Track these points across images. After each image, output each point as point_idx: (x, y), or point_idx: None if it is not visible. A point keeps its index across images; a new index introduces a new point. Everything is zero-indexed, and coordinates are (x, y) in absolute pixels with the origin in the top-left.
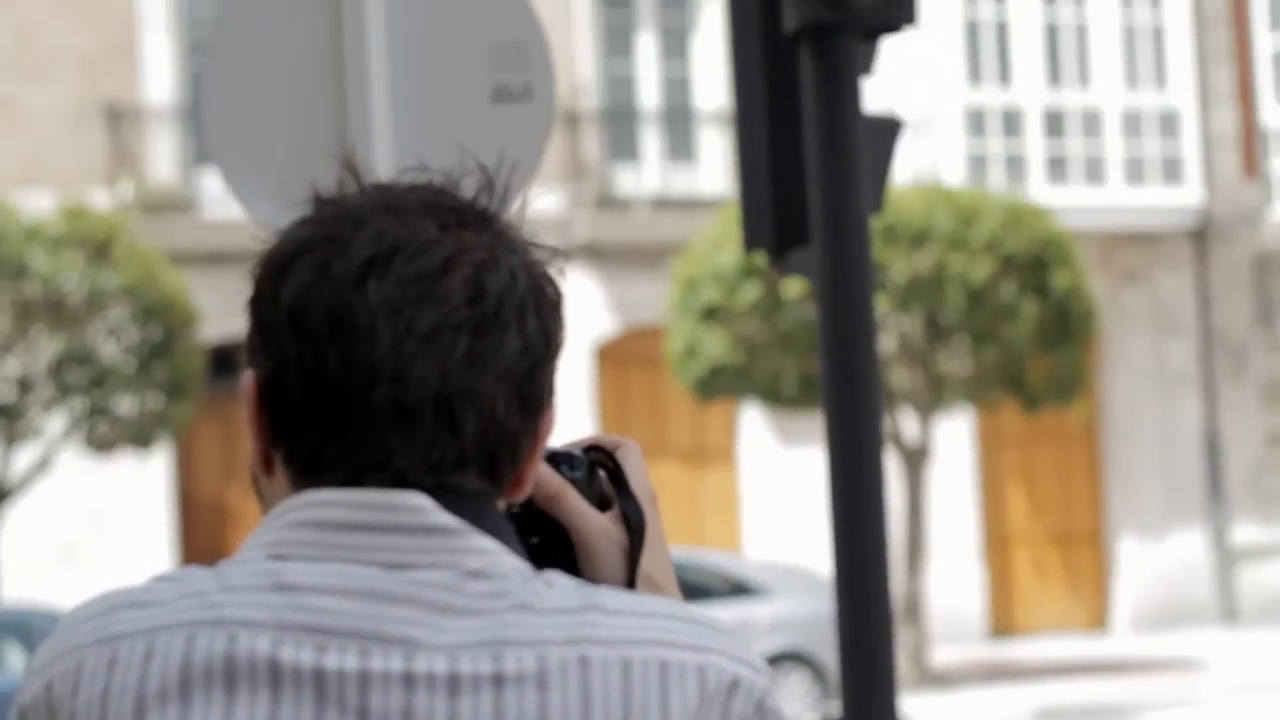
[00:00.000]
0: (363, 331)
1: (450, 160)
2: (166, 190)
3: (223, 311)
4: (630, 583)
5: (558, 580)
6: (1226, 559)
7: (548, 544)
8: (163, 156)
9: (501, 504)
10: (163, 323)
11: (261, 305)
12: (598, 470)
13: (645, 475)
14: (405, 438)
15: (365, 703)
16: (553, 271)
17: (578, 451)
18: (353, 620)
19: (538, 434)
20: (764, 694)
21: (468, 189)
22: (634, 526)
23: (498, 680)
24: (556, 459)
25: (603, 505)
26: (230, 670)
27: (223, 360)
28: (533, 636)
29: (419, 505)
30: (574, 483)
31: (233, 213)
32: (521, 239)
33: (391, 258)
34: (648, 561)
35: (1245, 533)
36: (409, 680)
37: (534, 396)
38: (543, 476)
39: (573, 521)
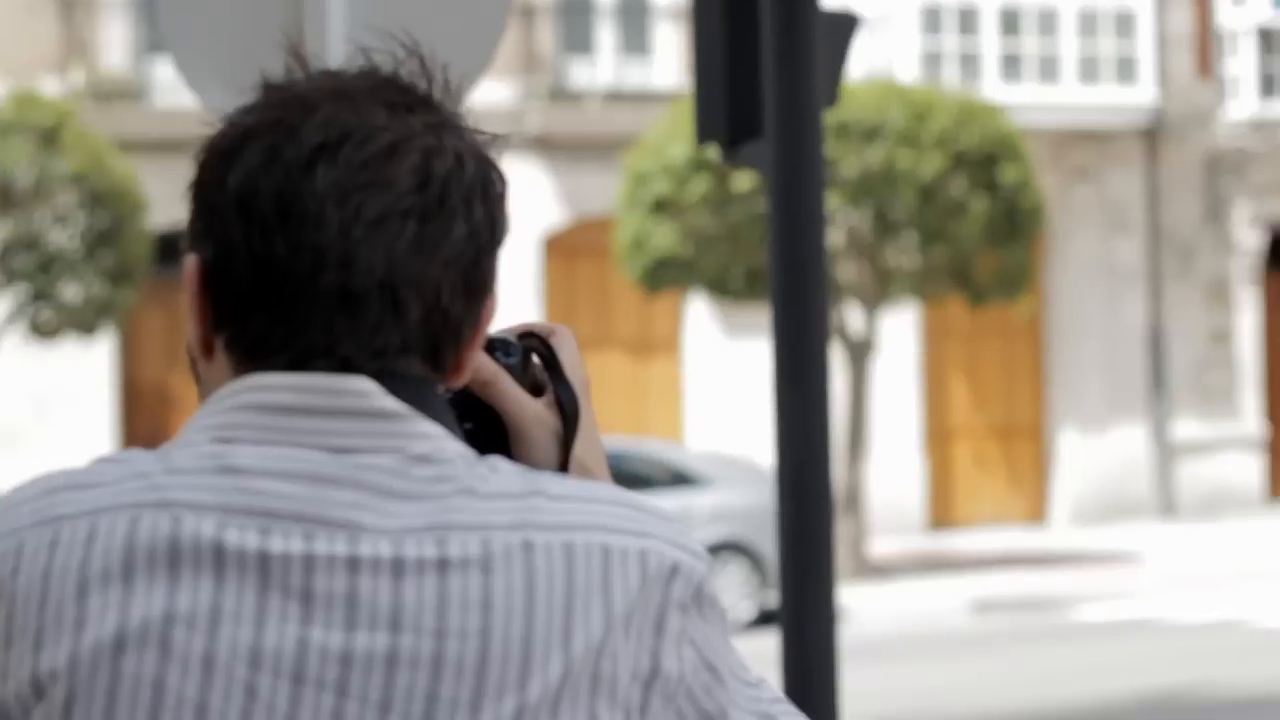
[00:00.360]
0: (311, 217)
1: (400, 49)
2: (118, 78)
3: (171, 199)
4: (563, 468)
5: (502, 466)
6: (1166, 454)
7: (482, 430)
8: (114, 44)
9: (440, 390)
10: (111, 210)
11: (207, 190)
12: (532, 356)
13: (579, 362)
14: (351, 323)
15: (309, 586)
16: (498, 160)
17: (512, 338)
18: (298, 504)
19: (480, 321)
20: (703, 580)
21: (416, 77)
22: (568, 412)
23: (442, 564)
24: (491, 345)
25: (536, 391)
26: (174, 553)
27: (169, 247)
28: (477, 521)
29: (364, 389)
30: (508, 369)
31: (183, 100)
32: (468, 126)
33: (341, 144)
34: (580, 447)
35: (1185, 429)
36: (353, 564)
37: (478, 283)
38: (478, 362)
39: (507, 407)
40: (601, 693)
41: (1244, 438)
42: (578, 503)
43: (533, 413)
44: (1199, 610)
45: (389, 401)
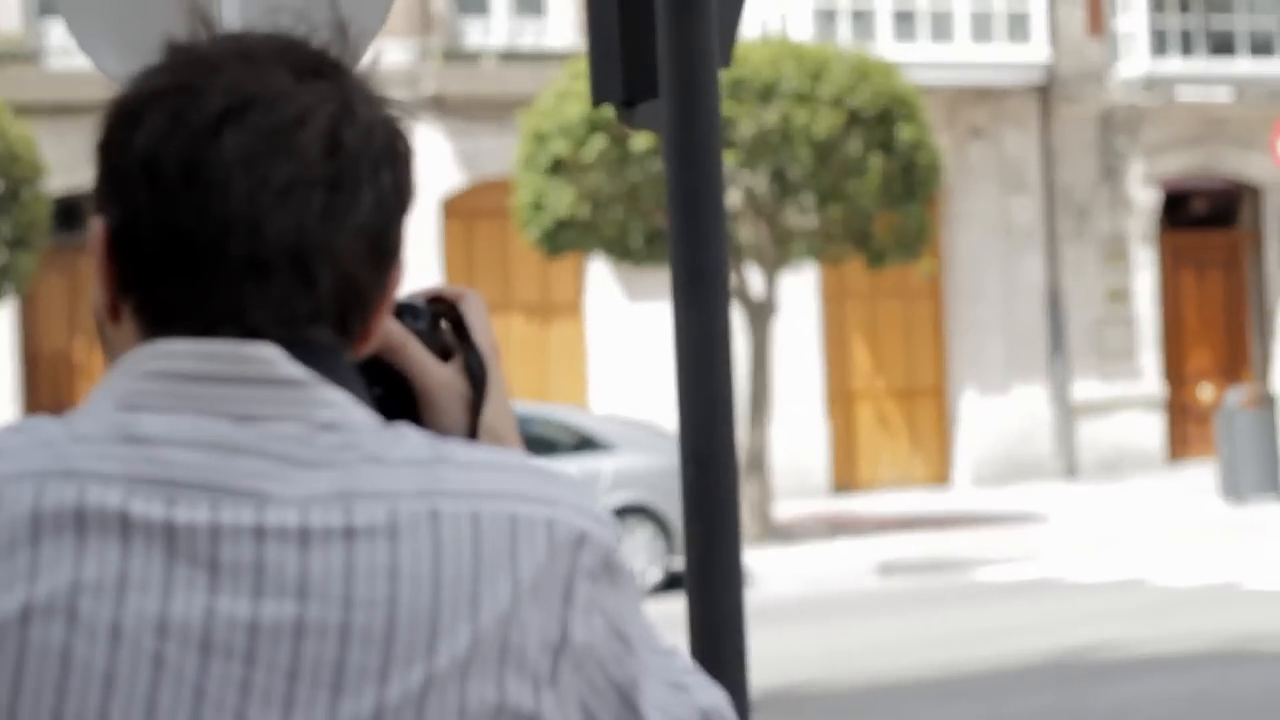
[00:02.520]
0: (217, 183)
1: (300, 12)
2: (11, 41)
3: (69, 163)
4: (472, 434)
5: (408, 433)
6: (1066, 414)
7: (391, 395)
8: (7, 7)
9: (349, 357)
10: (8, 175)
11: (112, 152)
12: (440, 321)
13: (488, 327)
14: (259, 291)
15: (216, 555)
16: (403, 126)
17: (420, 303)
18: (203, 473)
19: (387, 288)
20: (610, 548)
21: (319, 40)
22: (476, 377)
23: (348, 533)
24: (399, 310)
25: (445, 356)
26: (80, 522)
27: (68, 212)
28: (383, 489)
29: (268, 357)
30: (417, 334)
31: (79, 64)
32: (375, 92)
33: (247, 109)
34: (490, 413)
35: (1085, 389)
36: (259, 533)
37: (386, 251)
38: (386, 328)
39: (415, 373)
40: (510, 662)
41: (1143, 397)
42: (484, 470)
43: (441, 378)
44: (1101, 570)
45: (294, 369)
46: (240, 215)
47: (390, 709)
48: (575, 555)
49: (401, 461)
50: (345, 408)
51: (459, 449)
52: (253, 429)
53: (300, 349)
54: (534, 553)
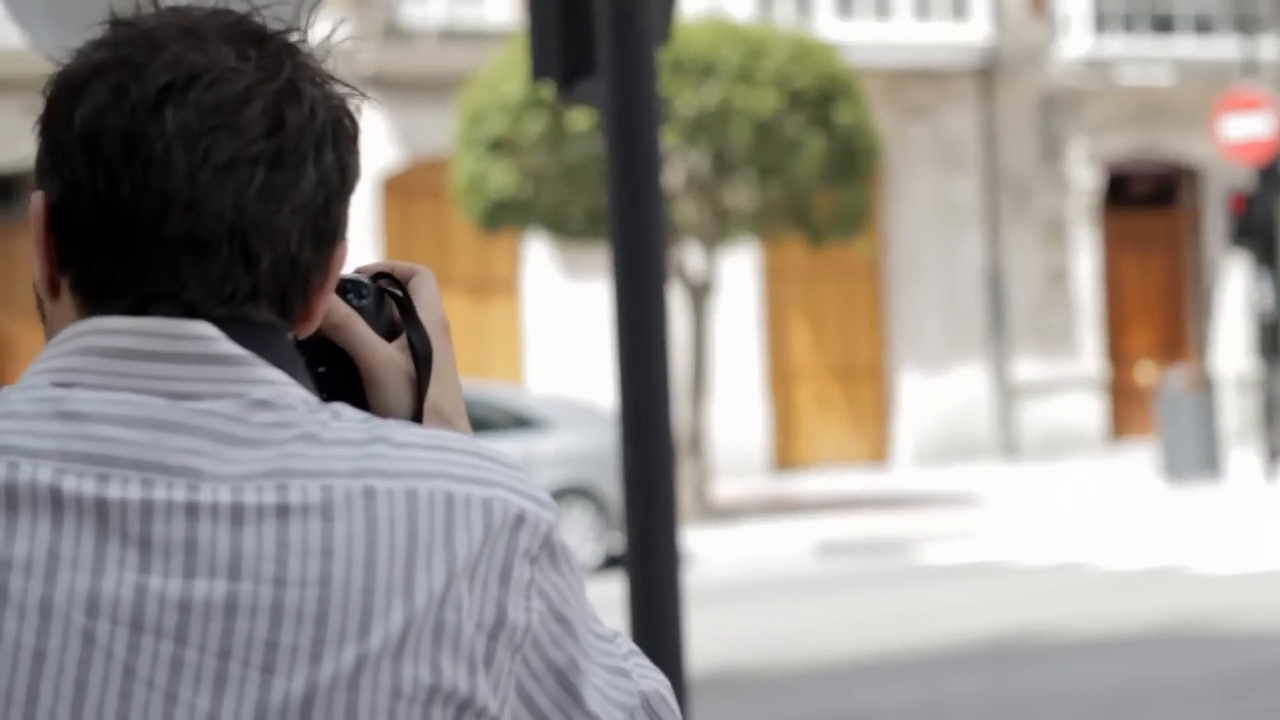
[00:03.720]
0: (158, 159)
1: None
2: None
3: (4, 140)
4: (417, 413)
5: (345, 412)
6: (1006, 394)
7: (334, 374)
8: None
9: (290, 336)
10: None
11: (53, 126)
12: (386, 298)
13: (438, 305)
14: (198, 268)
15: (148, 533)
16: (351, 105)
17: (366, 279)
18: (136, 450)
19: (330, 268)
20: (550, 529)
21: (266, 17)
22: (420, 355)
23: (282, 511)
24: (344, 287)
25: (392, 334)
26: (11, 498)
27: (4, 189)
28: (318, 467)
29: (205, 334)
30: (361, 311)
31: (13, 39)
32: (321, 71)
33: (190, 84)
34: (436, 392)
35: (1025, 369)
36: (192, 510)
37: (328, 231)
38: (330, 305)
39: (359, 351)
40: (445, 643)
41: (1083, 378)
42: (421, 450)
43: (385, 356)
44: (1041, 552)
45: (230, 346)
46: (180, 192)
47: (322, 689)
48: (513, 536)
49: (337, 440)
50: (282, 386)
51: (396, 429)
52: (187, 406)
53: (238, 327)
54: (470, 533)
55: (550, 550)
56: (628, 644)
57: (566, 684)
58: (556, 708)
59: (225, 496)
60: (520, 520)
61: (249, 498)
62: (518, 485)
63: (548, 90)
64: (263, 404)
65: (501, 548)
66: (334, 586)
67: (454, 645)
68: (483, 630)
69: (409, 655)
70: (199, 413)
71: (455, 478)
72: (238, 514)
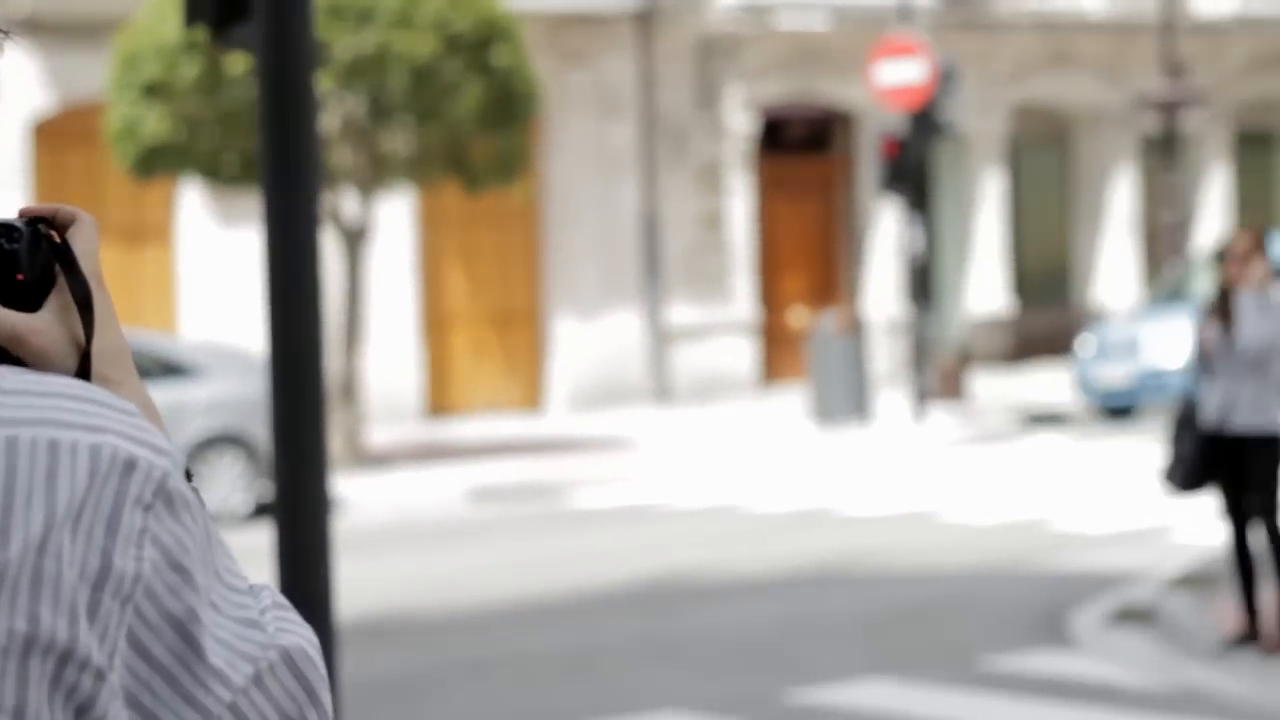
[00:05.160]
0: None
1: None
2: None
3: None
4: (85, 369)
5: None
6: (661, 339)
7: None
8: None
9: None
10: None
11: None
12: (42, 240)
13: (95, 253)
14: None
15: None
16: None
17: (19, 223)
18: None
19: None
20: (165, 476)
21: None
22: (80, 302)
23: None
24: None
25: (45, 276)
26: None
27: None
28: None
29: None
30: (13, 255)
31: None
32: None
33: None
34: (99, 343)
35: (679, 314)
36: None
37: None
38: None
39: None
40: (44, 593)
41: (737, 322)
42: (30, 397)
43: (26, 326)
44: (693, 496)
45: None
46: None
47: None
48: (123, 483)
49: None
50: None
51: (7, 375)
52: None
53: None
54: (74, 480)
55: (167, 497)
56: (272, 597)
57: (186, 634)
58: (176, 659)
59: None
60: (131, 466)
61: None
62: (131, 431)
63: (202, 34)
64: None
65: (110, 495)
66: None
67: (54, 595)
68: (86, 579)
69: (4, 606)
70: None
71: (63, 424)
72: None
